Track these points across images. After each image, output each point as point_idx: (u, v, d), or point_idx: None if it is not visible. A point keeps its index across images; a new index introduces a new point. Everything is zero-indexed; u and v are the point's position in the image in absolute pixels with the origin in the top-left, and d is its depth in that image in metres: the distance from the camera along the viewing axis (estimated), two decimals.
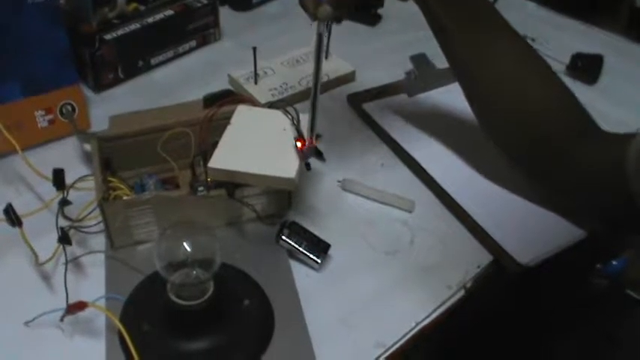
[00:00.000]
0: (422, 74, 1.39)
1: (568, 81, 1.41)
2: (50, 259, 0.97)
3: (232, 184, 0.98)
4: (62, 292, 0.91)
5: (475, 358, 1.34)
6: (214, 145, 1.01)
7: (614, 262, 1.44)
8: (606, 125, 1.28)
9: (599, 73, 1.45)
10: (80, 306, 0.87)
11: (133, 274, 0.97)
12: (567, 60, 1.46)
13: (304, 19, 1.62)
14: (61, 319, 0.88)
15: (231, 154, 0.98)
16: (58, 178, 1.02)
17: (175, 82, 1.41)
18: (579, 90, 1.39)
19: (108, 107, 1.28)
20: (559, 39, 1.58)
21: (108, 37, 1.33)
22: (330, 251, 1.01)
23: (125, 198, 0.99)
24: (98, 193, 0.96)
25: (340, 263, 1.02)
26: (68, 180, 1.05)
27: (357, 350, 0.90)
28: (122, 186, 1.03)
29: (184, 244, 0.84)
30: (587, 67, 1.45)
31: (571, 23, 1.67)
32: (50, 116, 1.20)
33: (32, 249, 0.95)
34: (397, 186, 1.14)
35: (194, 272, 0.85)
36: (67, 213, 1.03)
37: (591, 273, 1.37)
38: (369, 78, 1.42)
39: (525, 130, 1.03)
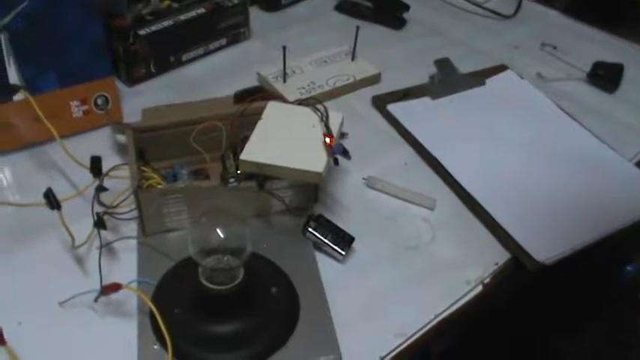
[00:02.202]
0: (445, 78, 1.43)
1: (588, 89, 1.44)
2: (84, 243, 1.01)
3: (262, 176, 1.02)
4: (95, 275, 0.94)
5: (489, 353, 1.37)
6: (244, 139, 1.05)
7: (627, 268, 1.46)
8: (625, 133, 1.31)
9: (619, 82, 1.47)
10: (115, 287, 0.90)
11: (164, 260, 1.00)
12: (588, 68, 1.49)
13: (331, 21, 1.66)
14: (96, 300, 0.92)
15: (262, 148, 1.02)
16: (96, 165, 1.06)
17: (205, 79, 1.45)
18: (599, 98, 1.42)
19: (139, 100, 1.32)
20: (580, 47, 1.60)
21: (142, 32, 1.37)
22: (354, 244, 1.04)
23: (160, 187, 1.03)
24: (133, 182, 1.00)
25: (363, 256, 1.05)
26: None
27: (379, 339, 0.93)
28: (155, 175, 1.07)
29: (218, 231, 0.88)
30: (608, 75, 1.47)
31: (592, 32, 1.69)
32: (85, 107, 1.23)
33: (70, 232, 0.98)
34: (419, 184, 1.17)
35: (225, 259, 0.88)
36: (101, 200, 1.07)
37: (606, 276, 1.39)
38: (394, 80, 1.44)
39: None
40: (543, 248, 1.05)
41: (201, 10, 1.46)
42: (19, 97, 1.15)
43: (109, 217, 1.04)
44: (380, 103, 1.37)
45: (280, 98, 1.19)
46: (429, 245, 1.08)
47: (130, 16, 1.40)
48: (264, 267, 0.99)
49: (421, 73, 1.46)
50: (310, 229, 1.03)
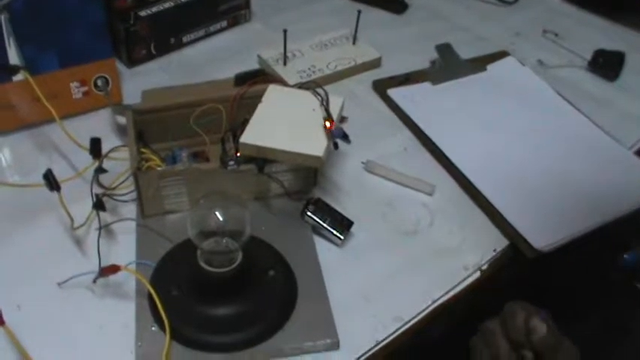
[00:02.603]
0: (446, 64, 1.43)
1: (589, 76, 1.44)
2: (83, 224, 1.01)
3: (262, 159, 1.02)
4: (94, 256, 0.95)
5: None
6: (244, 122, 1.05)
7: (625, 256, 1.46)
8: (625, 121, 1.31)
9: (620, 70, 1.47)
10: (113, 269, 0.91)
11: (163, 242, 1.00)
12: (589, 56, 1.48)
13: (333, 5, 1.66)
14: (94, 281, 0.92)
15: (261, 131, 1.02)
16: (95, 147, 1.06)
17: (205, 61, 1.44)
18: (600, 86, 1.42)
19: (139, 82, 1.32)
20: (582, 35, 1.60)
21: (142, 13, 1.37)
22: (352, 229, 1.04)
23: (159, 169, 1.03)
24: (133, 163, 1.00)
25: (362, 240, 1.05)
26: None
27: (376, 323, 0.93)
28: (154, 157, 1.07)
29: (217, 213, 0.88)
30: (609, 63, 1.47)
31: (594, 19, 1.69)
32: (85, 88, 1.23)
33: (69, 213, 0.98)
34: (419, 170, 1.18)
35: (224, 241, 0.88)
36: (100, 181, 1.07)
37: (603, 264, 1.39)
38: (395, 65, 1.44)
39: None
40: (542, 235, 1.05)
41: None
42: (18, 77, 1.14)
43: (108, 199, 1.04)
44: (380, 87, 1.37)
45: (281, 81, 1.19)
46: (428, 231, 1.08)
47: None
48: (262, 250, 0.99)
49: (422, 58, 1.46)
50: (309, 213, 1.03)
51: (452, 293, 1.00)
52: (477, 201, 1.13)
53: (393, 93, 1.35)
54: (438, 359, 1.20)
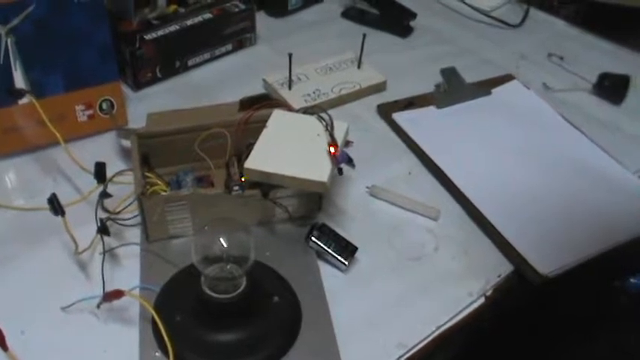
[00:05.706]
0: (451, 87, 1.43)
1: (594, 100, 1.44)
2: (88, 248, 1.01)
3: (267, 184, 1.02)
4: (98, 280, 0.95)
5: None
6: (249, 146, 1.05)
7: (632, 280, 1.46)
8: (630, 145, 1.31)
9: (625, 94, 1.46)
10: (117, 294, 0.90)
11: (167, 266, 1.00)
12: (594, 79, 1.48)
13: (338, 28, 1.67)
14: (98, 306, 0.92)
15: (266, 156, 1.02)
16: (100, 171, 1.06)
17: (211, 84, 1.45)
18: (605, 109, 1.42)
19: (145, 105, 1.33)
20: (587, 58, 1.60)
21: (148, 37, 1.37)
22: (357, 254, 1.04)
23: (164, 193, 1.03)
24: (137, 188, 1.00)
25: (366, 266, 1.05)
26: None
27: (380, 350, 0.93)
28: (159, 182, 1.07)
29: (221, 239, 0.88)
30: (614, 86, 1.46)
31: (599, 43, 1.69)
32: (90, 111, 1.24)
33: (73, 238, 0.98)
34: (424, 194, 1.17)
35: (228, 267, 0.88)
36: (105, 205, 1.07)
37: (610, 288, 1.39)
38: (400, 88, 1.44)
39: None
40: (547, 260, 1.05)
41: (208, 15, 1.47)
42: (24, 100, 1.15)
43: (113, 223, 1.04)
44: (385, 111, 1.37)
45: (286, 106, 1.19)
46: (432, 256, 1.08)
47: (137, 21, 1.40)
48: (266, 275, 0.99)
49: (427, 82, 1.46)
50: (313, 238, 1.03)
51: (456, 319, 0.99)
52: (482, 226, 1.13)
53: (398, 117, 1.35)
54: None
